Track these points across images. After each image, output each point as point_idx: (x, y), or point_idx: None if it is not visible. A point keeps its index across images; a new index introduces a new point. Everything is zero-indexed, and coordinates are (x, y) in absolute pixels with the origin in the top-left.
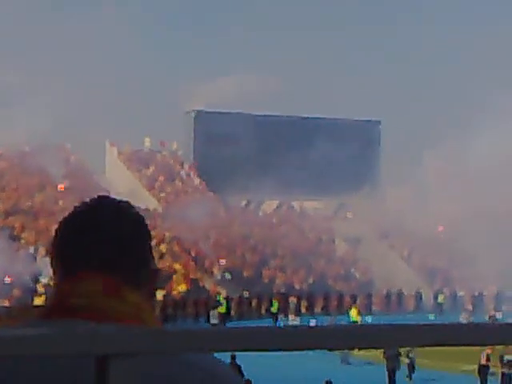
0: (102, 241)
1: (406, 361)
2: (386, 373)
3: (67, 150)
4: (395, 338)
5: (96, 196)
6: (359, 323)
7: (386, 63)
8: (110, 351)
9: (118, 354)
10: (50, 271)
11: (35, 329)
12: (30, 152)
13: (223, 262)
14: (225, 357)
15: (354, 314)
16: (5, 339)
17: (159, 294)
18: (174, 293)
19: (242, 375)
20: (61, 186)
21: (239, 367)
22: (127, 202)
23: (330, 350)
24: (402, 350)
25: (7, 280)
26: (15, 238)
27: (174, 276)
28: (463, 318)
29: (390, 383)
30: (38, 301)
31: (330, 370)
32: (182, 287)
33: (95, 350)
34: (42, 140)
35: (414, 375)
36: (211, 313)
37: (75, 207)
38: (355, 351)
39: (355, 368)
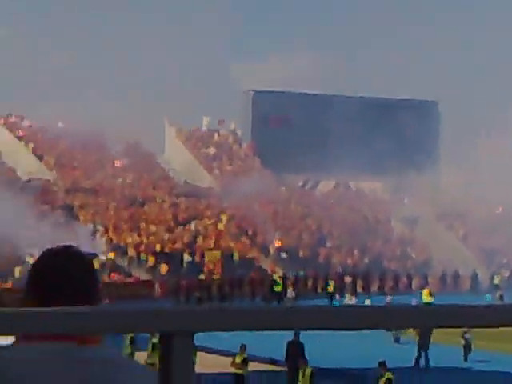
0: (68, 281)
1: (462, 342)
2: (416, 348)
3: (127, 129)
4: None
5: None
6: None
7: (448, 44)
8: (173, 328)
9: (182, 331)
10: (108, 249)
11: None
12: (90, 130)
13: (280, 241)
14: (289, 334)
15: (425, 294)
16: (71, 316)
17: (216, 274)
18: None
19: (303, 352)
20: (119, 164)
21: (301, 344)
22: (79, 250)
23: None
24: (458, 331)
25: None
26: (74, 216)
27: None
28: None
29: (417, 359)
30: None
31: (382, 349)
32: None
33: (161, 327)
34: (102, 119)
35: (469, 356)
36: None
37: (44, 254)
38: (408, 330)
39: (405, 347)
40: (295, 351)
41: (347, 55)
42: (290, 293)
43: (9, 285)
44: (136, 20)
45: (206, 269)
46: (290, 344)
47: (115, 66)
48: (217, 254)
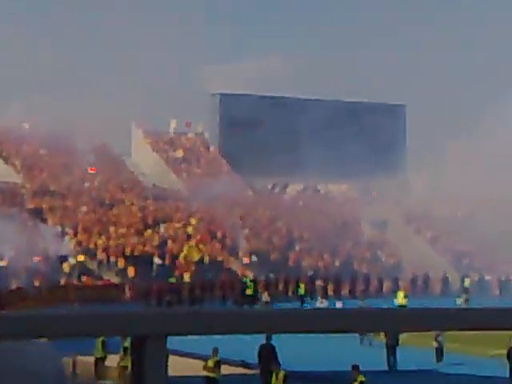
0: None
1: (435, 344)
2: (385, 350)
3: (93, 131)
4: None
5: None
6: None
7: (415, 47)
8: (146, 332)
9: (155, 334)
10: (76, 251)
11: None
12: (57, 132)
13: (249, 244)
14: (260, 337)
15: (400, 297)
16: (42, 320)
17: (186, 277)
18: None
19: (276, 355)
20: (91, 168)
21: (274, 347)
22: None
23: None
24: (430, 334)
25: (35, 260)
26: (42, 219)
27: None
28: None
29: (388, 360)
30: (67, 281)
31: (350, 352)
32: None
33: (133, 331)
34: (69, 121)
35: (441, 359)
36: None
37: None
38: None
39: (374, 350)
40: (268, 354)
41: (316, 58)
42: (265, 297)
43: None
44: (110, 20)
45: (178, 264)
46: (262, 347)
47: (81, 66)
48: (195, 253)
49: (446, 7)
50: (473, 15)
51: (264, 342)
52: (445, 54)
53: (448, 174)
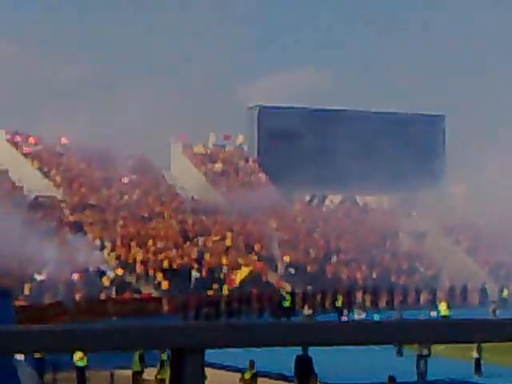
0: None
1: (475, 355)
2: (415, 358)
3: (133, 145)
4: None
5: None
6: (448, 317)
7: (454, 58)
8: (184, 345)
9: (193, 347)
10: (115, 265)
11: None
12: (96, 146)
13: (287, 256)
14: (296, 349)
15: (443, 308)
16: (80, 333)
17: (224, 289)
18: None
19: (313, 367)
20: (126, 180)
21: (310, 359)
22: None
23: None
24: (469, 345)
25: (75, 274)
26: (82, 233)
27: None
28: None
29: (417, 369)
30: (106, 295)
31: (387, 363)
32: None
33: (171, 344)
34: (108, 135)
35: (481, 370)
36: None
37: None
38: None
39: (408, 360)
40: (304, 366)
41: (355, 69)
42: (307, 310)
43: (21, 301)
44: (149, 34)
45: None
46: (298, 359)
47: (121, 79)
48: (246, 270)
49: (485, 19)
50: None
51: (300, 353)
52: (486, 65)
53: (487, 186)
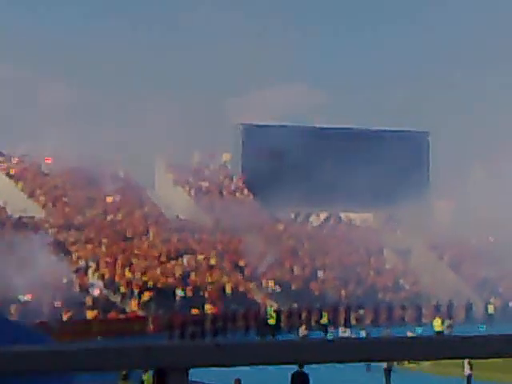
0: None
1: (466, 372)
2: (383, 373)
3: (117, 164)
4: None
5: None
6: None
7: (435, 75)
8: (168, 364)
9: (177, 367)
10: (101, 285)
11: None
12: (81, 167)
13: (272, 274)
14: (283, 367)
15: (437, 323)
16: (65, 354)
17: (208, 308)
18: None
19: (308, 383)
20: (110, 199)
21: (306, 375)
22: None
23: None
24: (461, 361)
25: (58, 294)
26: (66, 252)
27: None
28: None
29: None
30: (90, 314)
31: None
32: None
33: (155, 363)
34: (92, 154)
35: None
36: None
37: None
38: None
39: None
40: (301, 382)
41: (337, 88)
42: (302, 330)
43: None
44: (127, 54)
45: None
46: (295, 375)
47: (104, 99)
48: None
49: (468, 33)
50: (496, 38)
51: (296, 369)
52: (468, 81)
53: (471, 201)
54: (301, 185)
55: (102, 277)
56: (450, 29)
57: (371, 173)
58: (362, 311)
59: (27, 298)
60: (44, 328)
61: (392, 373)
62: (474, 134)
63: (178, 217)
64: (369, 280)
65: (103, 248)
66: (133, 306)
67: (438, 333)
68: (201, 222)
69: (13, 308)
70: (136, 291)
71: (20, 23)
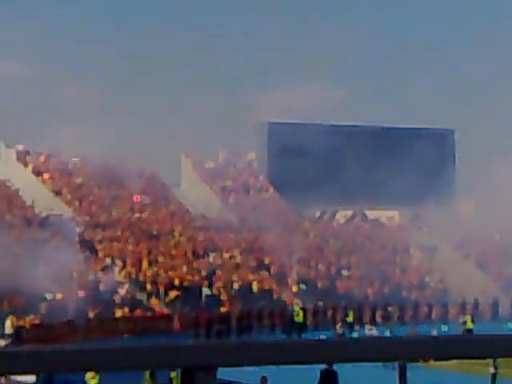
0: None
1: (491, 370)
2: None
3: (143, 162)
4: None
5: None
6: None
7: (464, 72)
8: (196, 364)
9: (205, 366)
10: (126, 282)
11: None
12: (107, 165)
13: (297, 272)
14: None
15: (468, 321)
16: (91, 353)
17: (234, 305)
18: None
19: (337, 381)
20: (137, 198)
21: (335, 373)
22: None
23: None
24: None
25: (85, 293)
26: (92, 251)
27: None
28: None
29: (400, 381)
30: (117, 312)
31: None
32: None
33: (183, 363)
34: (118, 153)
35: None
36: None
37: None
38: None
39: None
40: (330, 380)
41: (363, 86)
42: (338, 328)
43: (37, 320)
44: (150, 56)
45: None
46: (323, 373)
47: (130, 99)
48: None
49: (498, 32)
50: None
51: (325, 367)
52: (495, 79)
53: (497, 199)
54: (326, 183)
55: (128, 275)
56: (475, 23)
57: (397, 170)
58: (388, 309)
59: (55, 296)
60: (70, 326)
61: (407, 370)
62: (500, 131)
63: (203, 215)
64: (395, 278)
65: (129, 246)
66: (159, 304)
67: (469, 330)
68: (226, 221)
69: (43, 306)
70: (162, 289)
71: (44, 20)
